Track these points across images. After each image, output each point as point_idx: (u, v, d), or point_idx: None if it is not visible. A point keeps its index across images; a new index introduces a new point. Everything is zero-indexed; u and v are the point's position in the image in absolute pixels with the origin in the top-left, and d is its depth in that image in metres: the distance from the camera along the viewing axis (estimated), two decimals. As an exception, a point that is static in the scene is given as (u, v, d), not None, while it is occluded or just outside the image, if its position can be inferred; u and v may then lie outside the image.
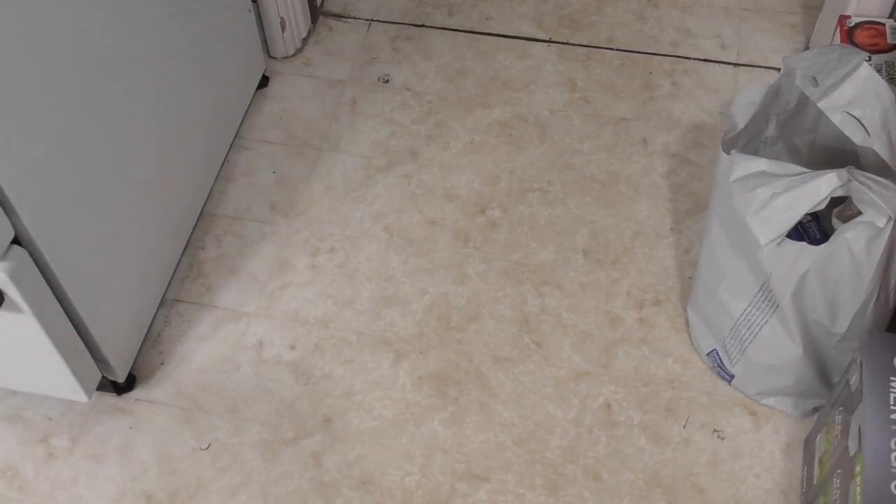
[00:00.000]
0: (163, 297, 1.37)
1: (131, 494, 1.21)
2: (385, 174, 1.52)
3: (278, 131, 1.59)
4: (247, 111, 1.59)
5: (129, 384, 1.29)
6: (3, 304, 1.00)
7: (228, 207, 1.49)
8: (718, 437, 1.23)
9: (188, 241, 1.43)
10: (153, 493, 1.21)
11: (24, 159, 0.97)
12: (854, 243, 1.00)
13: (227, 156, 1.54)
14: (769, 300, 1.10)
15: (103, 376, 1.23)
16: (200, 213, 1.46)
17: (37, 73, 0.97)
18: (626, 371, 1.29)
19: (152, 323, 1.35)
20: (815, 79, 1.11)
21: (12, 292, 0.99)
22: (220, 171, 1.52)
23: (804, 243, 1.03)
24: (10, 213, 0.97)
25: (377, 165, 1.53)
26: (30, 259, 1.01)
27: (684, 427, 1.24)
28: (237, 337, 1.34)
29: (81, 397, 1.18)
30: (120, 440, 1.25)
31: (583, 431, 1.24)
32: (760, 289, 1.11)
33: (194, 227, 1.45)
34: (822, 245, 1.02)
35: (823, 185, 0.99)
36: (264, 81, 1.64)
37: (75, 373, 1.14)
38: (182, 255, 1.41)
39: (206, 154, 1.46)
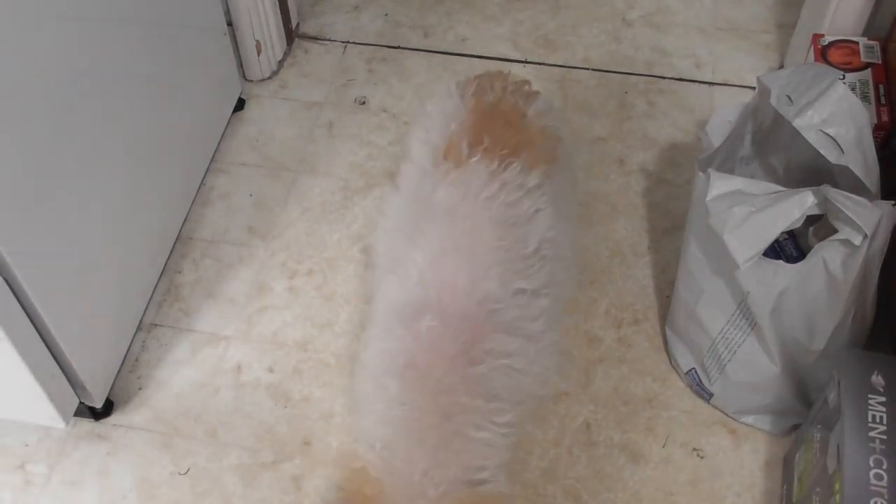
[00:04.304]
0: (140, 321, 1.36)
1: (108, 522, 1.20)
2: (363, 196, 1.52)
3: (255, 154, 1.58)
4: (223, 134, 1.59)
5: (106, 410, 1.27)
6: (-22, 331, 0.99)
7: (205, 231, 1.48)
8: (698, 455, 1.23)
9: (165, 265, 1.42)
10: (131, 520, 1.20)
11: (-2, 184, 0.96)
12: (830, 261, 1.01)
13: (203, 179, 1.53)
14: (747, 318, 1.11)
15: (80, 402, 1.21)
16: (177, 237, 1.46)
17: (12, 98, 0.96)
18: (605, 390, 1.29)
19: (130, 347, 1.33)
20: (789, 97, 1.13)
21: (-13, 319, 0.98)
22: (196, 194, 1.51)
23: (781, 262, 1.04)
24: (-16, 238, 0.96)
25: (355, 187, 1.53)
26: (5, 284, 1.00)
27: (664, 446, 1.24)
28: (215, 361, 1.33)
29: (59, 423, 1.17)
30: (98, 466, 1.24)
31: (562, 451, 1.24)
32: (738, 307, 1.11)
33: (171, 251, 1.44)
34: (799, 263, 1.03)
35: (799, 204, 1.00)
36: (240, 104, 1.64)
37: (52, 398, 1.12)
38: (159, 279, 1.40)
39: (182, 177, 1.45)
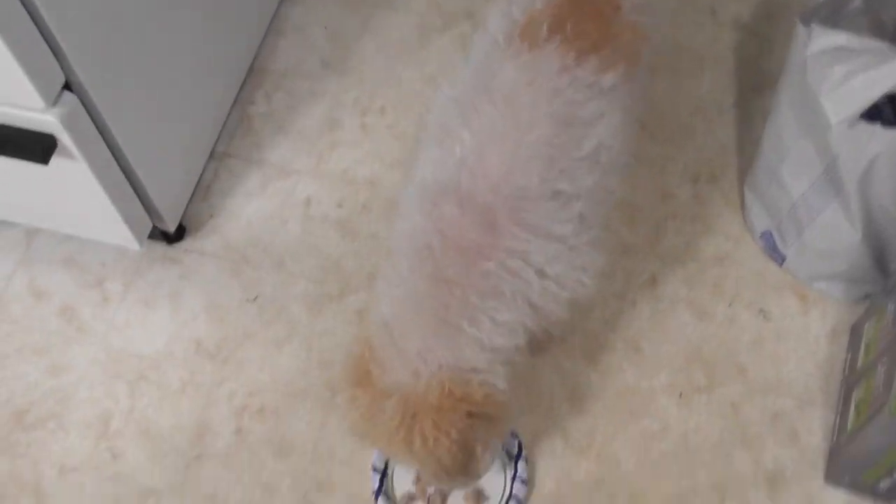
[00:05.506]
0: (212, 150, 1.36)
1: (181, 340, 1.24)
2: (439, 35, 1.47)
3: (331, -16, 1.54)
4: (299, -39, 1.54)
5: (179, 235, 1.30)
6: (56, 151, 1.00)
7: (279, 63, 1.46)
8: (764, 317, 1.22)
9: (238, 96, 1.41)
10: (202, 339, 1.24)
11: (75, 4, 0.94)
12: (932, 129, 0.95)
13: (278, 8, 1.50)
14: (833, 183, 1.07)
15: (154, 226, 1.24)
16: (250, 68, 1.44)
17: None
18: (675, 246, 1.27)
19: (202, 176, 1.35)
20: (910, -55, 1.04)
21: (65, 139, 0.99)
22: (270, 24, 1.48)
23: (878, 126, 0.99)
24: (60, 58, 0.95)
25: (432, 26, 1.48)
26: (81, 106, 1.00)
27: (730, 305, 1.23)
28: (285, 194, 1.34)
29: (133, 245, 1.20)
30: (170, 288, 1.28)
31: (626, 304, 1.24)
32: (825, 171, 1.07)
33: (244, 82, 1.42)
34: (898, 128, 0.97)
35: (907, 65, 0.94)
36: (318, -70, 1.58)
37: (127, 220, 1.15)
38: (231, 109, 1.40)
39: (256, 5, 1.42)
